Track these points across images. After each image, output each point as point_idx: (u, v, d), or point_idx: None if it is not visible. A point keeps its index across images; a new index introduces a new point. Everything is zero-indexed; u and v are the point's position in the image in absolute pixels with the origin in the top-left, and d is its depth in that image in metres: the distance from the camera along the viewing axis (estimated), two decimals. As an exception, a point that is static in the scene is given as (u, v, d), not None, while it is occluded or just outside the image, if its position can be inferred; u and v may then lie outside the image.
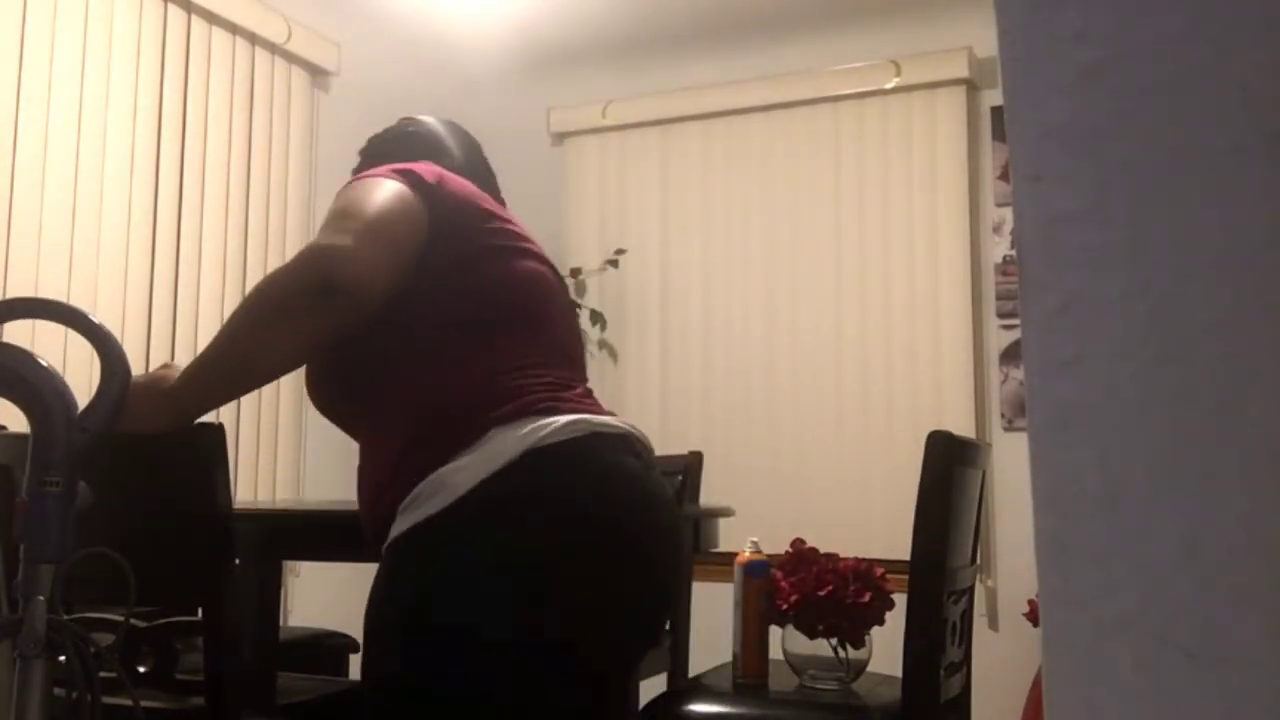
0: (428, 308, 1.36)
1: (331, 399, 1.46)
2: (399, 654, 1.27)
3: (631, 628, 1.36)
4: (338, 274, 1.26)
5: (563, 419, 1.30)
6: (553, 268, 1.52)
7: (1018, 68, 0.49)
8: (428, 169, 1.43)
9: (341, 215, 1.32)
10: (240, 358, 1.34)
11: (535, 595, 1.26)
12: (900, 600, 1.91)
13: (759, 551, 2.17)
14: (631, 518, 1.33)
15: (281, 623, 2.70)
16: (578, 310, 1.60)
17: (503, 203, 1.63)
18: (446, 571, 1.26)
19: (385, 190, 1.36)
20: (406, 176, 1.40)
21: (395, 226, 1.33)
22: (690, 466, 2.79)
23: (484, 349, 1.36)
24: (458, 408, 1.31)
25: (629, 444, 1.38)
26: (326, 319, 1.30)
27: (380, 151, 1.71)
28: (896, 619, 1.94)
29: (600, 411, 1.40)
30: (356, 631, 2.79)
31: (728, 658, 2.23)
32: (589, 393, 1.46)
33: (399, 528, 1.29)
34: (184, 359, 3.22)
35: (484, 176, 1.68)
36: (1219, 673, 0.44)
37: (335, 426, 1.54)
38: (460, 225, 1.40)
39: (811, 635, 2.06)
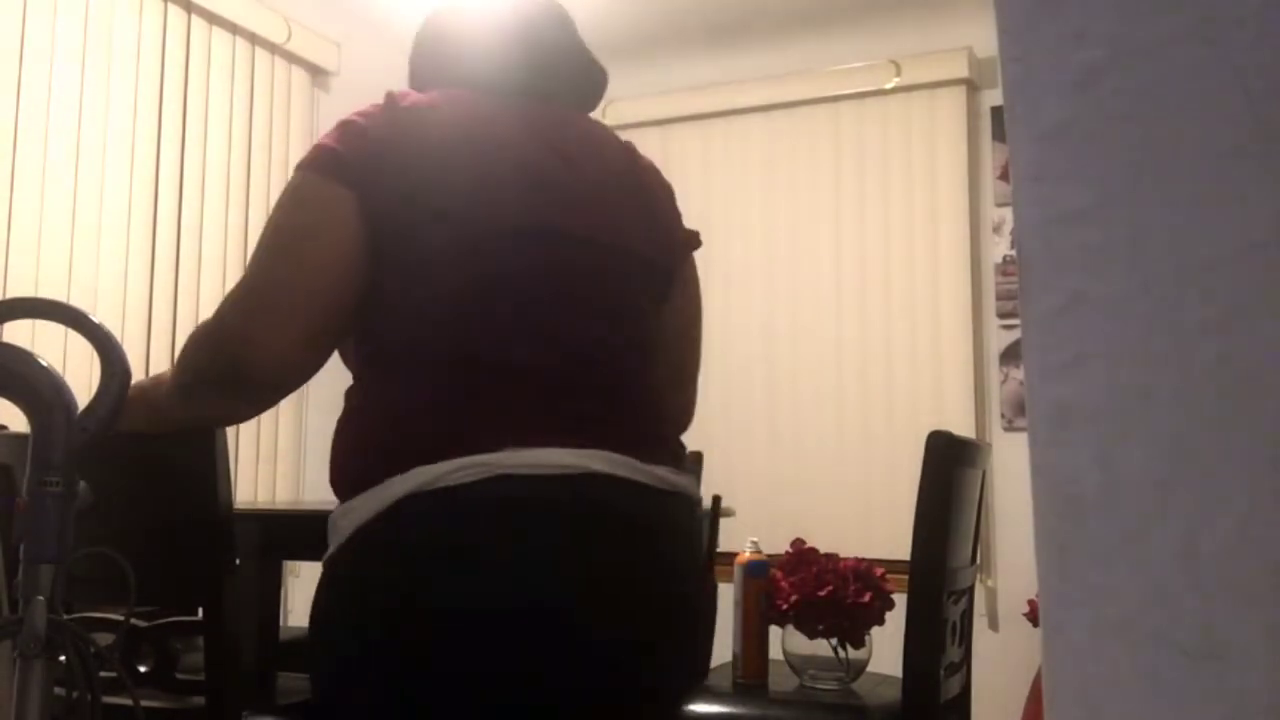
0: (373, 318, 1.20)
1: None
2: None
3: (504, 690, 1.10)
4: (243, 365, 1.16)
5: (461, 462, 1.09)
6: (572, 234, 1.21)
7: (1018, 68, 0.49)
8: (368, 134, 1.17)
9: (250, 274, 1.18)
10: (194, 420, 1.33)
11: (368, 652, 1.12)
12: (900, 600, 1.91)
13: (759, 551, 2.17)
14: (498, 574, 1.09)
15: (281, 623, 2.70)
16: (633, 294, 1.27)
17: (577, 95, 1.37)
18: (317, 616, 1.19)
19: (289, 216, 1.17)
20: (332, 166, 1.16)
21: (315, 278, 1.15)
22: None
23: (395, 390, 1.17)
24: (365, 451, 1.16)
25: (558, 489, 1.11)
26: (254, 406, 1.25)
27: (411, 55, 1.46)
28: (896, 619, 1.94)
29: (587, 441, 1.14)
30: (356, 631, 2.79)
31: (727, 658, 2.23)
32: (580, 412, 1.17)
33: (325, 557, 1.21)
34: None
35: (534, 67, 1.33)
36: (1219, 673, 0.44)
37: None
38: (397, 226, 1.16)
39: (811, 635, 2.06)
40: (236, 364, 1.16)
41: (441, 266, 1.16)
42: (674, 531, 1.21)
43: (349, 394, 1.22)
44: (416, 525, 1.10)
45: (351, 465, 1.17)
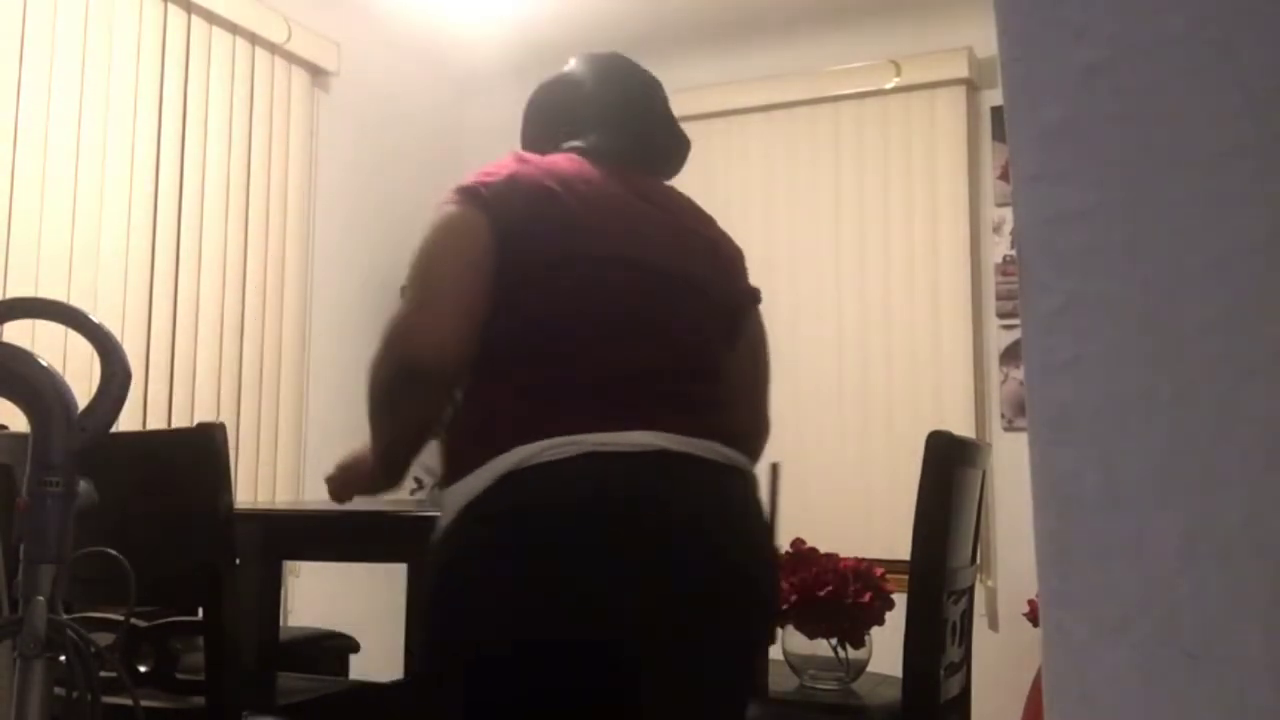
0: (491, 330, 1.39)
1: None
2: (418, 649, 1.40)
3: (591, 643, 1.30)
4: (412, 360, 1.37)
5: (554, 440, 1.31)
6: (660, 268, 1.45)
7: (1018, 68, 0.49)
8: (499, 175, 1.42)
9: (410, 281, 1.40)
10: (390, 437, 1.46)
11: (495, 612, 1.30)
12: (900, 600, 1.91)
13: (759, 551, 2.17)
14: (596, 534, 1.29)
15: (281, 623, 2.70)
16: (699, 320, 1.51)
17: (670, 156, 1.62)
18: (432, 588, 1.36)
19: (441, 238, 1.41)
20: (469, 197, 1.41)
21: (461, 272, 1.38)
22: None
23: (504, 384, 1.39)
24: (471, 436, 1.38)
25: (659, 460, 1.33)
26: (428, 396, 1.39)
27: (526, 116, 1.67)
28: (896, 619, 1.94)
29: (673, 427, 1.35)
30: (356, 631, 2.80)
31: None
32: (672, 402, 1.39)
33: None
34: (184, 359, 3.22)
35: (639, 142, 1.59)
36: (1219, 673, 0.44)
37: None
38: (525, 250, 1.40)
39: (811, 635, 2.06)
40: (414, 358, 1.37)
41: (541, 280, 1.39)
42: (736, 499, 1.42)
43: (463, 395, 1.42)
44: (523, 493, 1.30)
45: (462, 450, 1.37)
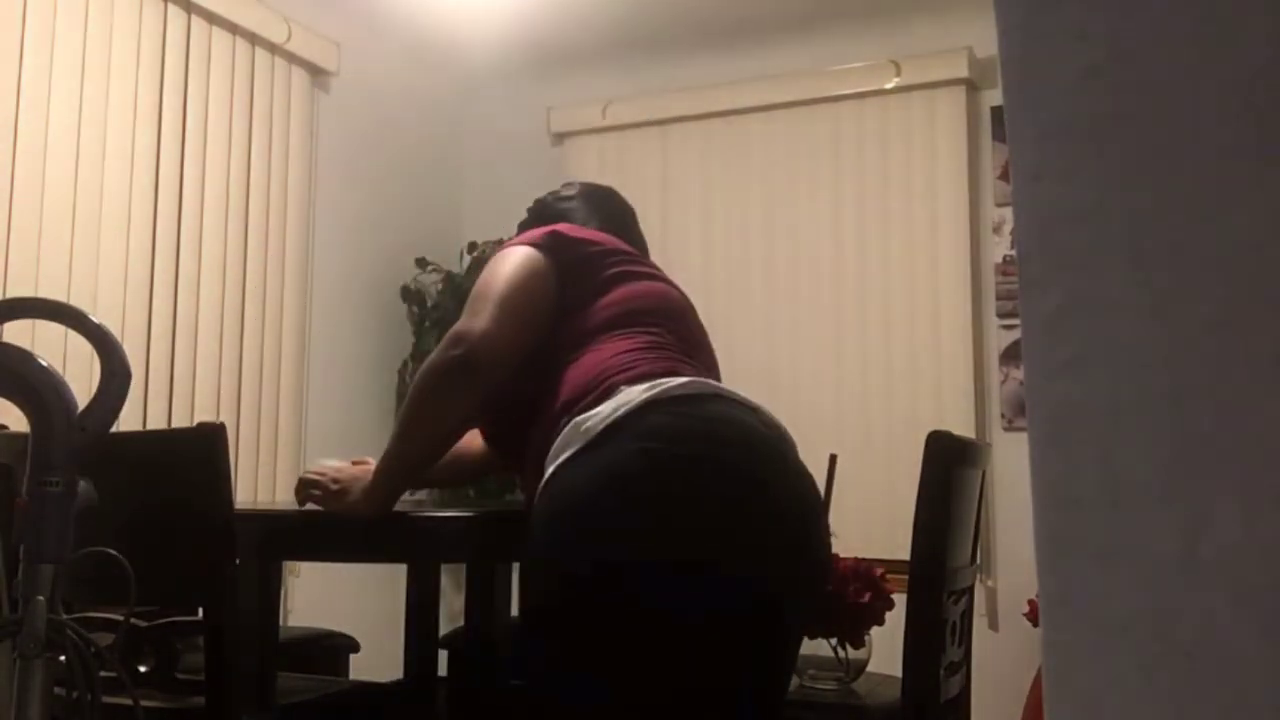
0: (571, 326, 1.63)
1: (505, 413, 1.72)
2: (540, 588, 1.47)
3: (749, 559, 1.44)
4: (473, 354, 1.54)
5: (685, 378, 1.51)
6: (678, 289, 1.80)
7: (1018, 68, 0.49)
8: (562, 226, 1.74)
9: (477, 296, 1.62)
10: (417, 444, 1.63)
11: (648, 515, 1.41)
12: (900, 600, 1.91)
13: (759, 551, 2.16)
14: (743, 455, 1.47)
15: (281, 623, 2.70)
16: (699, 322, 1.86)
17: (645, 250, 1.95)
18: (569, 503, 1.44)
19: (513, 262, 1.65)
20: (538, 239, 1.69)
21: (523, 296, 1.62)
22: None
23: (617, 341, 1.60)
24: (594, 379, 1.53)
25: (754, 413, 1.55)
26: (471, 393, 1.57)
27: (536, 213, 1.98)
28: (896, 619, 1.94)
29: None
30: (356, 631, 2.80)
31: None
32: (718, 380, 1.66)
33: (547, 473, 1.48)
34: (184, 359, 3.22)
35: (623, 232, 1.91)
36: (1219, 673, 0.44)
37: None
38: (588, 263, 1.69)
39: (811, 635, 2.06)
40: (471, 355, 1.55)
41: (615, 286, 1.68)
42: (800, 465, 1.60)
43: (548, 366, 1.61)
44: (676, 411, 1.46)
45: (587, 385, 1.52)
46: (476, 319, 1.58)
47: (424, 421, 1.60)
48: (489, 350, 1.55)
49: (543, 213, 1.96)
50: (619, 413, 1.44)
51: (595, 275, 1.68)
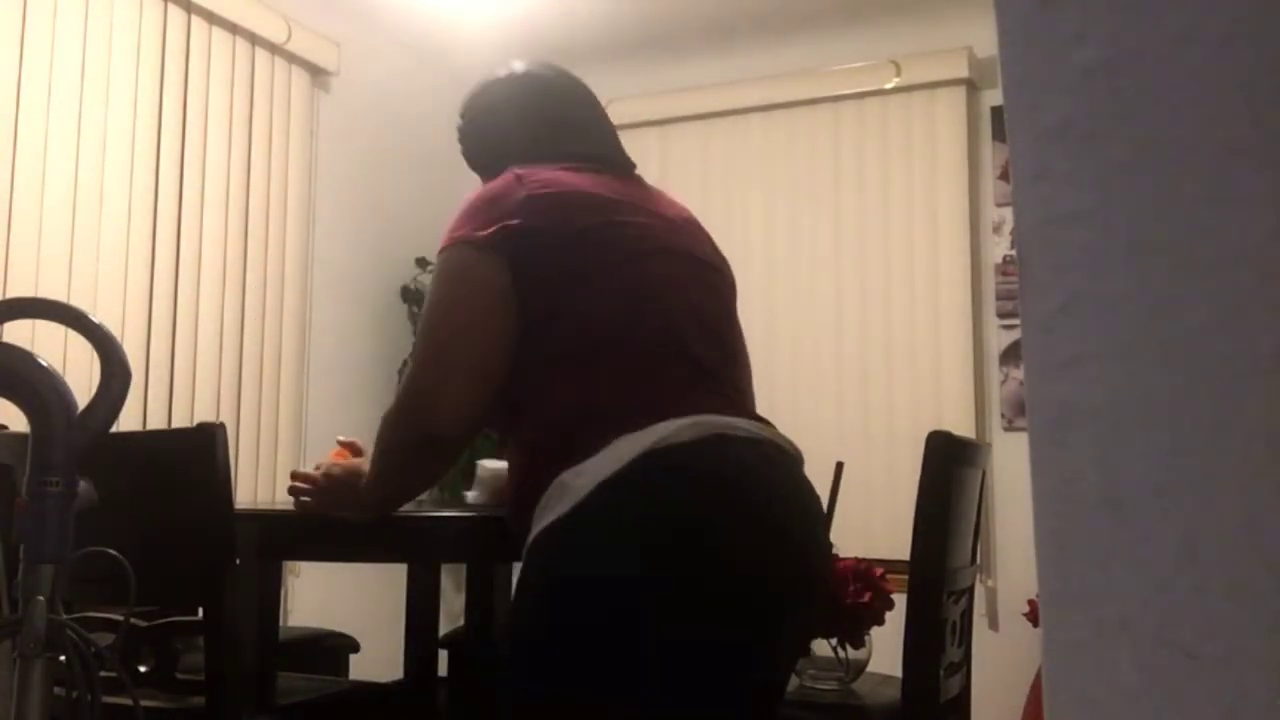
0: (537, 350, 1.41)
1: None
2: (526, 663, 1.29)
3: (750, 621, 1.31)
4: (437, 431, 1.40)
5: (684, 421, 1.31)
6: (684, 236, 1.53)
7: (1018, 68, 0.49)
8: (511, 200, 1.42)
9: (427, 341, 1.42)
10: (395, 500, 1.55)
11: (652, 589, 1.25)
12: (900, 600, 1.91)
13: (759, 551, 2.16)
14: (745, 514, 1.32)
15: (281, 623, 2.70)
16: (727, 299, 1.61)
17: (624, 159, 1.61)
18: (568, 571, 1.29)
19: (457, 289, 1.42)
20: (486, 238, 1.41)
21: (475, 342, 1.40)
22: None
23: (596, 370, 1.38)
24: (576, 421, 1.35)
25: (758, 447, 1.38)
26: (444, 462, 1.47)
27: (470, 153, 1.69)
28: (896, 619, 1.94)
29: (737, 412, 1.41)
30: (356, 631, 2.80)
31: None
32: (727, 391, 1.45)
33: (531, 534, 1.33)
34: (184, 359, 3.22)
35: (589, 147, 1.59)
36: (1219, 673, 0.44)
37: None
38: (556, 255, 1.41)
39: (811, 635, 2.06)
40: (429, 427, 1.41)
41: (600, 277, 1.41)
42: (807, 486, 1.47)
43: (529, 392, 1.40)
44: (673, 469, 1.29)
45: (574, 431, 1.34)
46: (428, 389, 1.40)
47: (399, 492, 1.53)
48: (453, 424, 1.39)
49: (480, 140, 1.65)
50: (610, 471, 1.27)
51: (569, 270, 1.41)
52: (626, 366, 1.38)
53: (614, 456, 1.28)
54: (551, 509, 1.30)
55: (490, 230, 1.40)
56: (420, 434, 1.41)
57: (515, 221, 1.40)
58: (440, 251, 1.46)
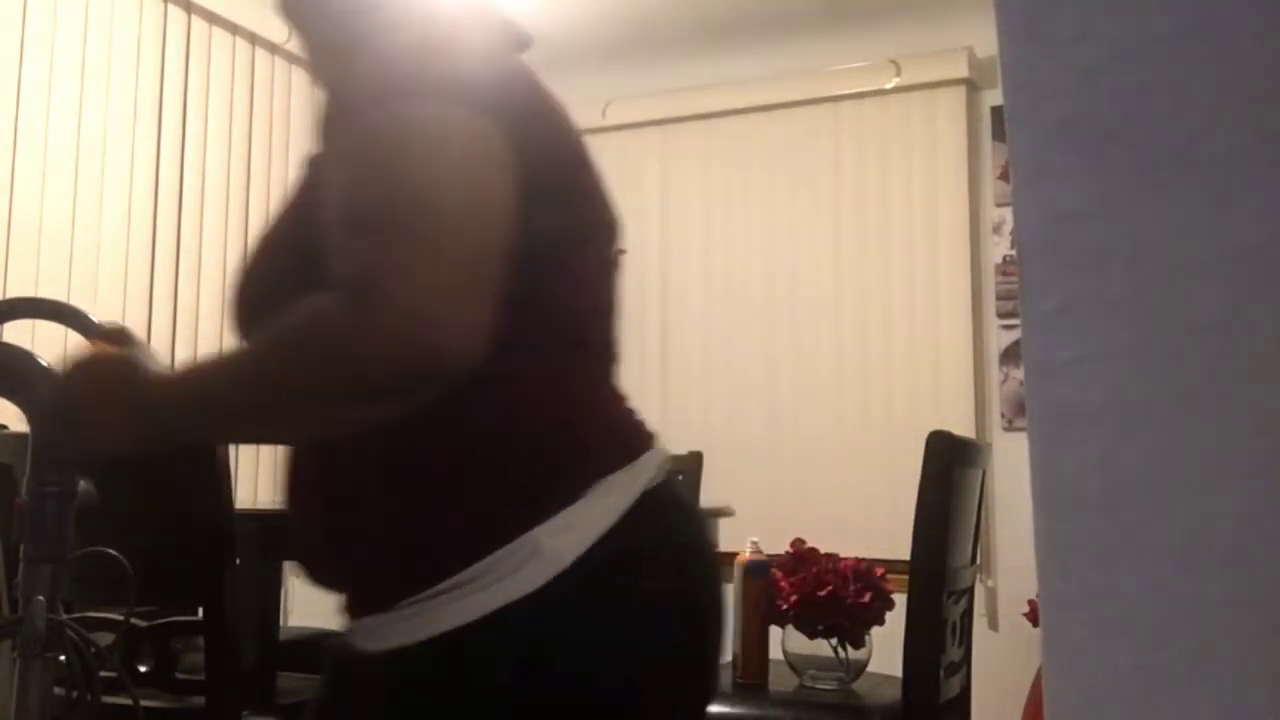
0: (516, 315, 0.91)
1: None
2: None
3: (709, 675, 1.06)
4: (445, 358, 0.86)
5: (655, 454, 1.01)
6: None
7: (1018, 68, 0.49)
8: (489, 59, 0.97)
9: (406, 208, 0.87)
10: (269, 413, 1.04)
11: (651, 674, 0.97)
12: (900, 600, 1.91)
13: (759, 551, 2.17)
14: (709, 552, 1.07)
15: (281, 623, 2.69)
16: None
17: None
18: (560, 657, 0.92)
19: (473, 167, 0.90)
20: (478, 103, 0.91)
21: (498, 238, 0.89)
22: (690, 466, 2.79)
23: (573, 374, 1.00)
24: (547, 447, 0.96)
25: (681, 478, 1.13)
26: (408, 398, 0.89)
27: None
28: (896, 619, 1.94)
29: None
30: (356, 631, 2.79)
31: (728, 658, 2.23)
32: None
33: (450, 616, 0.90)
34: (184, 359, 3.22)
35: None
36: (1219, 673, 0.44)
37: None
38: (551, 187, 0.97)
39: (811, 635, 2.06)
40: (439, 359, 0.87)
41: (603, 228, 1.08)
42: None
43: (503, 369, 0.91)
44: (659, 528, 0.99)
45: (558, 466, 0.96)
46: (452, 296, 0.85)
47: (283, 421, 1.05)
48: (468, 353, 0.86)
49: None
50: (606, 523, 0.93)
51: (564, 212, 1.01)
52: (596, 381, 1.04)
53: (605, 509, 0.94)
54: (502, 580, 0.90)
55: (473, 90, 0.93)
56: (422, 370, 0.86)
57: (514, 100, 0.97)
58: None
